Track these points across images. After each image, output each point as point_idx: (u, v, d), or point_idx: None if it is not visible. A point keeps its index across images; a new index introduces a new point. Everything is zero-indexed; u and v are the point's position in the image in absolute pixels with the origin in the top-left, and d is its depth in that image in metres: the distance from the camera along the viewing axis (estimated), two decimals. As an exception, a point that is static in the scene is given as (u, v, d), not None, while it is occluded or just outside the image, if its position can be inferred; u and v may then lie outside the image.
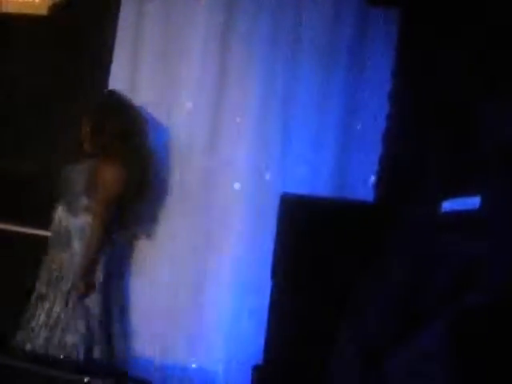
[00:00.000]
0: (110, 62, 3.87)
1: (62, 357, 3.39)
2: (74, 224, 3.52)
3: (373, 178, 3.45)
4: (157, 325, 3.66)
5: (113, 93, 3.71)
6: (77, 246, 3.51)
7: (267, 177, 3.60)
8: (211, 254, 3.65)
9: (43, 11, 4.01)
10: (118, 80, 3.85)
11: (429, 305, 1.98)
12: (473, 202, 1.99)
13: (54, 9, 4.00)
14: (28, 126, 4.03)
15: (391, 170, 3.30)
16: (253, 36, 3.64)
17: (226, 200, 3.64)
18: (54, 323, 3.46)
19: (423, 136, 2.87)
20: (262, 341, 3.16)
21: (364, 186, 3.47)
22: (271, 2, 3.62)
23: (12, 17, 4.06)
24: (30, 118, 4.05)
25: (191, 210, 3.68)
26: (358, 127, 3.54)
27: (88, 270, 3.47)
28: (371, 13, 3.50)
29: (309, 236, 3.03)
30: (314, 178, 3.53)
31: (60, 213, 3.57)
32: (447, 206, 2.07)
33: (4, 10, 4.07)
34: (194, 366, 3.61)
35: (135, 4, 3.86)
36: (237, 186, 3.61)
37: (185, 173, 3.70)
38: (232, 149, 3.66)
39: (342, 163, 3.53)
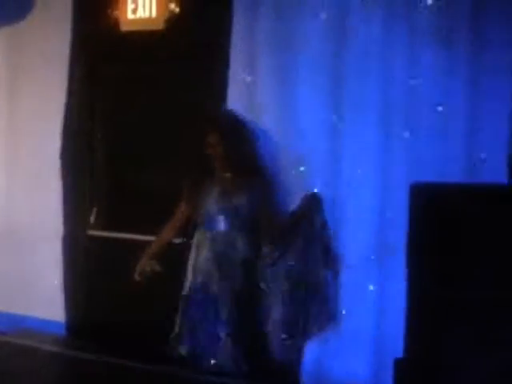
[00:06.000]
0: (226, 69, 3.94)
1: None
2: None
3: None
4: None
5: (234, 113, 3.79)
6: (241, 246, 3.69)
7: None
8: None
9: (160, 26, 4.16)
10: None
11: None
12: None
13: (169, 23, 4.14)
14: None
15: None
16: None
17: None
18: None
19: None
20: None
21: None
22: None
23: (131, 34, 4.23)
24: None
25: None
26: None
27: None
28: None
29: (443, 224, 2.98)
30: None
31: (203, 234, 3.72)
32: None
33: (124, 28, 4.25)
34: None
35: (247, 18, 3.88)
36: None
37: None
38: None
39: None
